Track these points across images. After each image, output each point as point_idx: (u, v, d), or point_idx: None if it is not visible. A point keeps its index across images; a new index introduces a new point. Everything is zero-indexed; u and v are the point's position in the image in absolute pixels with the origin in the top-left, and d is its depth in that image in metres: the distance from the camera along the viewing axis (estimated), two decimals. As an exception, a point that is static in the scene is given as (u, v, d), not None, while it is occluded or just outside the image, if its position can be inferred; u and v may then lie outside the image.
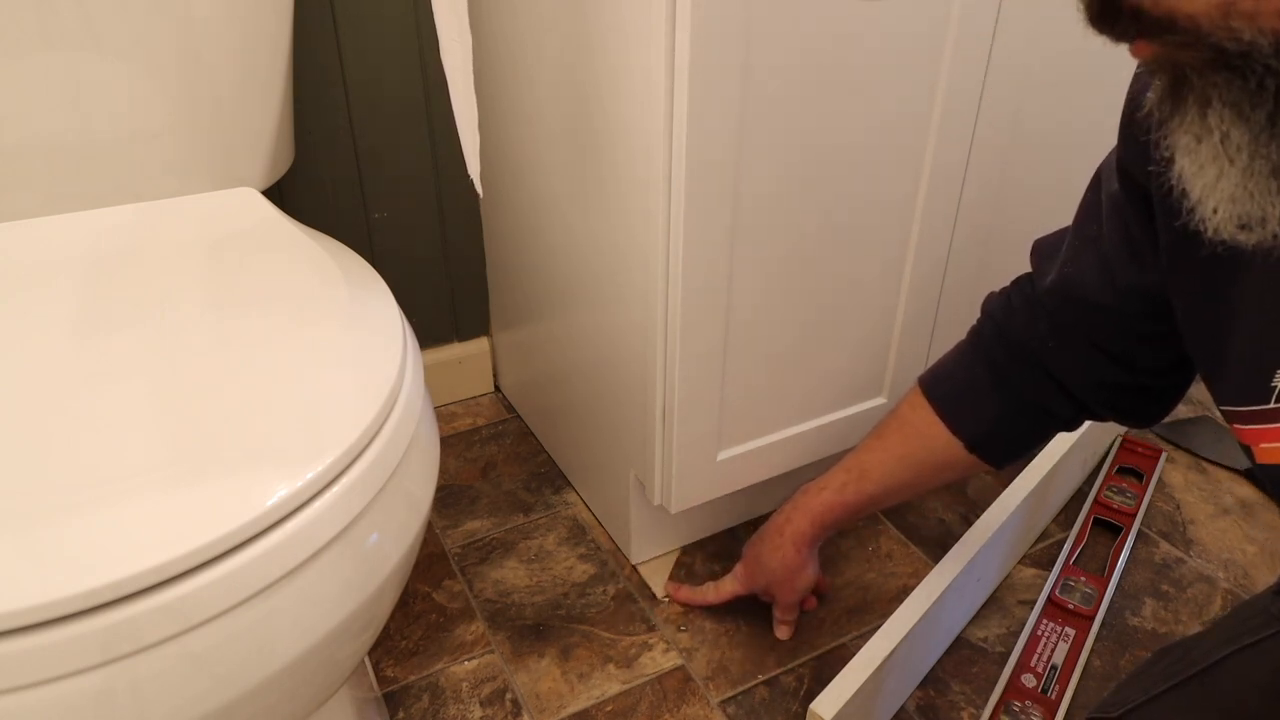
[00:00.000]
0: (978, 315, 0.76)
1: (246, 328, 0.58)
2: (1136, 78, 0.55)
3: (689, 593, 0.94)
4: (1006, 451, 0.76)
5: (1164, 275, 0.57)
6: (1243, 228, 0.37)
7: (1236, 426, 0.52)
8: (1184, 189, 0.38)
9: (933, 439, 0.76)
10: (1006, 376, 0.71)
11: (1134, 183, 0.57)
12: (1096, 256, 0.63)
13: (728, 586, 0.91)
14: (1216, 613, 0.95)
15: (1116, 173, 0.59)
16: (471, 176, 0.76)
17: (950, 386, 0.76)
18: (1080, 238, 0.65)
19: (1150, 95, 0.38)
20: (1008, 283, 0.74)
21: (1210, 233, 0.38)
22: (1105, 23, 0.35)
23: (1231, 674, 0.53)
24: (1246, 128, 0.34)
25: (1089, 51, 0.90)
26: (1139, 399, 0.68)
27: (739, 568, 0.90)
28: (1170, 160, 0.38)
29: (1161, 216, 0.55)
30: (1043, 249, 0.70)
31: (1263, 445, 0.51)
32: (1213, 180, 0.36)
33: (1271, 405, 0.49)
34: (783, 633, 0.90)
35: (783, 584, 0.86)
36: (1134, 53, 0.36)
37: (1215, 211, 0.37)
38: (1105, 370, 0.67)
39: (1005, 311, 0.71)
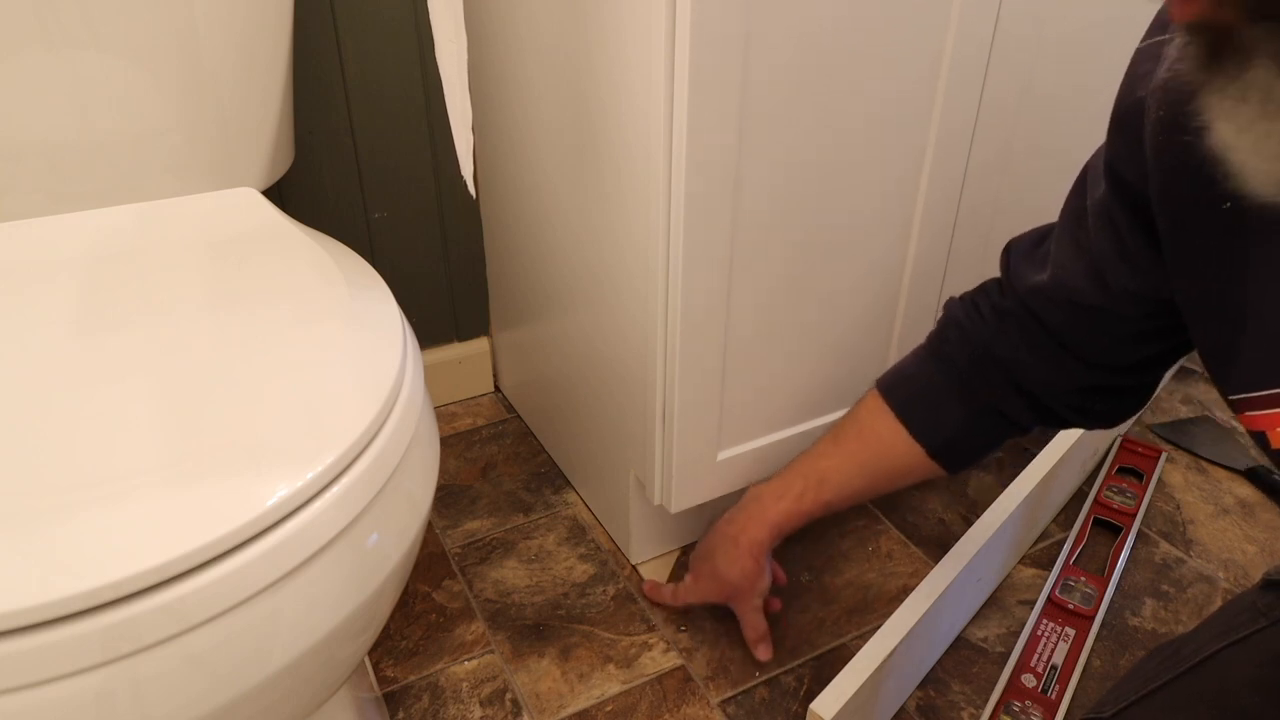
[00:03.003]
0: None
1: (246, 328, 0.58)
2: (1129, 78, 0.55)
3: (658, 590, 0.93)
4: (964, 458, 0.75)
5: (1160, 272, 0.56)
6: None
7: (1248, 414, 0.51)
8: (1223, 155, 0.37)
9: (893, 445, 0.75)
10: (971, 384, 0.70)
11: (1124, 182, 0.56)
12: (1086, 261, 0.62)
13: (682, 595, 0.90)
14: (1216, 613, 0.95)
15: (1105, 173, 0.58)
16: (464, 177, 0.76)
17: (911, 392, 0.74)
18: (1067, 240, 0.64)
19: (1180, 66, 0.37)
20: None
21: (1255, 195, 0.37)
22: None
23: (1220, 669, 0.53)
24: None
25: (1089, 45, 0.90)
26: (1104, 400, 0.68)
27: (689, 580, 0.89)
28: (1202, 131, 0.37)
29: (1162, 207, 0.54)
30: (1017, 250, 0.69)
31: (1278, 430, 0.50)
32: (1259, 139, 0.35)
33: None
34: (762, 653, 0.88)
35: (744, 593, 0.85)
36: (1178, 12, 0.35)
37: (1259, 171, 0.36)
38: (1078, 374, 0.66)
39: (973, 319, 0.70)
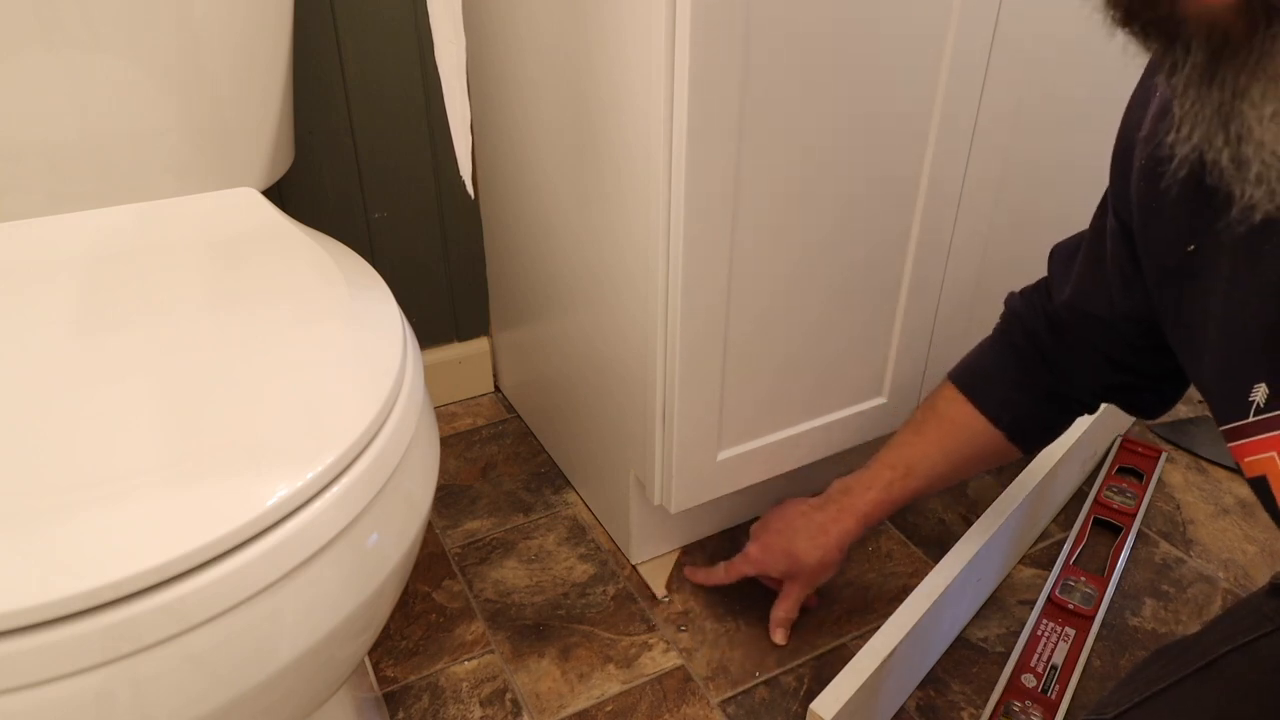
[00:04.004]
0: (977, 315, 0.78)
1: (246, 328, 0.58)
2: (1124, 122, 0.59)
3: (705, 574, 0.94)
4: (1037, 437, 0.81)
5: (1155, 302, 0.60)
6: None
7: (1229, 445, 0.54)
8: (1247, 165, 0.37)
9: (973, 430, 0.79)
10: (1033, 369, 0.76)
11: (1119, 218, 0.61)
12: (1100, 279, 0.67)
13: (738, 568, 0.91)
14: (1216, 613, 0.95)
15: (1111, 208, 0.63)
16: (463, 178, 0.76)
17: (983, 379, 0.80)
18: (1090, 256, 0.69)
19: (1194, 65, 0.37)
20: (1005, 286, 0.79)
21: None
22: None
23: (1226, 673, 0.53)
24: None
25: (1089, 49, 0.90)
26: (1144, 396, 0.73)
27: (754, 550, 0.89)
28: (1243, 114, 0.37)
29: (1140, 244, 0.58)
30: (1059, 256, 0.74)
31: (1248, 459, 0.52)
32: None
33: (1250, 419, 0.51)
34: (780, 636, 0.90)
35: (809, 577, 0.87)
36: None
37: None
38: (1112, 375, 0.71)
39: (1031, 312, 0.76)
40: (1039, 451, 0.82)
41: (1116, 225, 0.62)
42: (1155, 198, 0.54)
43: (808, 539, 0.85)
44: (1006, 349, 0.78)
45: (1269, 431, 0.50)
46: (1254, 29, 0.33)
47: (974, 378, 0.80)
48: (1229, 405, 0.52)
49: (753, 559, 0.90)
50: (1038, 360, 0.75)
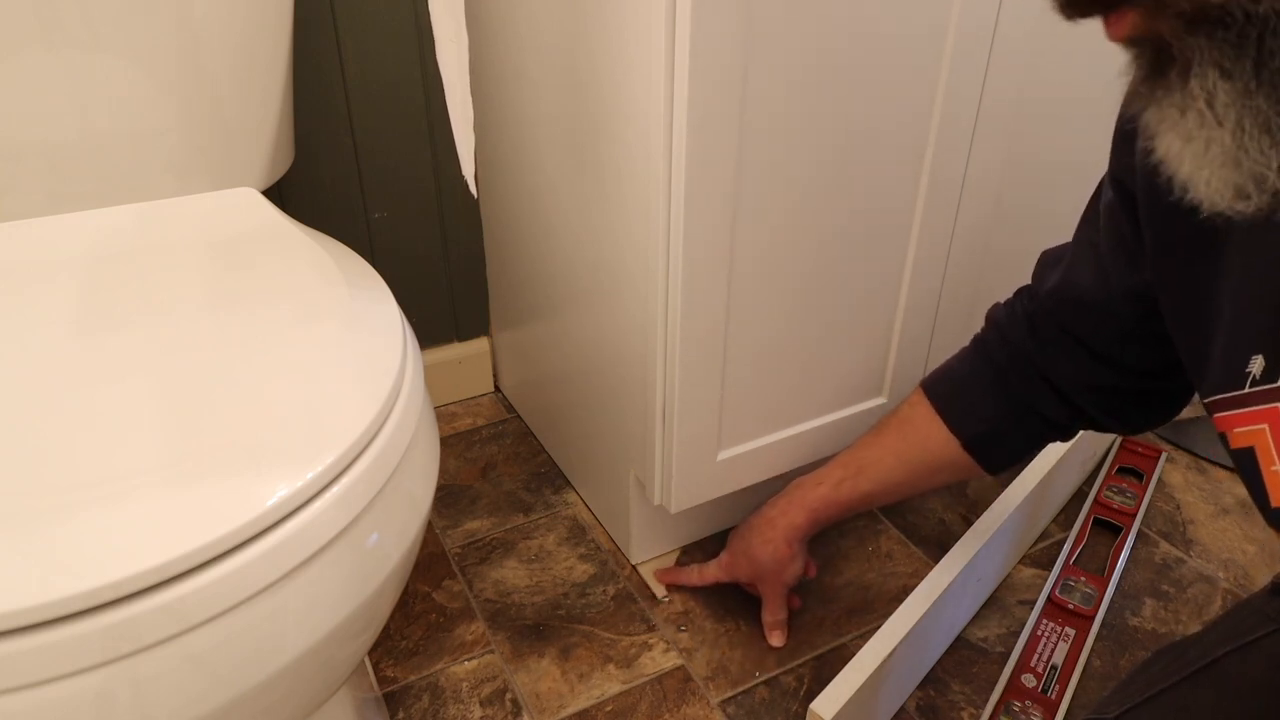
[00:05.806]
0: (977, 315, 0.78)
1: (246, 328, 0.58)
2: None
3: (675, 573, 0.95)
4: (1001, 455, 0.77)
5: (1151, 274, 0.59)
6: (1241, 196, 0.36)
7: (1216, 416, 0.53)
8: (1172, 170, 0.38)
9: (930, 437, 0.77)
10: (1008, 381, 0.73)
11: (1125, 191, 0.60)
12: (1094, 260, 0.65)
13: (710, 572, 0.92)
14: (1216, 613, 0.95)
15: (1111, 182, 0.62)
16: (466, 177, 0.76)
17: (951, 387, 0.77)
18: (1080, 243, 0.67)
19: (1130, 81, 0.38)
20: (1007, 286, 0.77)
21: (1207, 206, 0.37)
22: (1077, 4, 0.36)
23: (1228, 674, 0.53)
24: (1231, 83, 0.34)
25: (1089, 49, 0.90)
26: (1131, 403, 0.70)
27: (724, 556, 0.91)
28: (1153, 144, 0.38)
29: (1145, 215, 0.57)
30: (1046, 258, 0.73)
31: (1236, 430, 0.52)
32: (1202, 149, 0.36)
33: (1245, 390, 0.50)
34: (776, 639, 0.90)
35: (772, 576, 0.87)
36: (1112, 31, 0.36)
37: (1209, 183, 0.36)
38: (1098, 373, 0.68)
39: (1010, 320, 0.73)
40: (1001, 472, 0.79)
41: (1117, 199, 0.61)
42: (1157, 164, 0.54)
43: (759, 536, 0.86)
44: (981, 360, 0.75)
45: (1262, 404, 0.49)
46: (1161, 70, 0.35)
47: (943, 386, 0.78)
48: (1224, 375, 0.52)
49: (723, 565, 0.91)
50: (1015, 369, 0.72)
